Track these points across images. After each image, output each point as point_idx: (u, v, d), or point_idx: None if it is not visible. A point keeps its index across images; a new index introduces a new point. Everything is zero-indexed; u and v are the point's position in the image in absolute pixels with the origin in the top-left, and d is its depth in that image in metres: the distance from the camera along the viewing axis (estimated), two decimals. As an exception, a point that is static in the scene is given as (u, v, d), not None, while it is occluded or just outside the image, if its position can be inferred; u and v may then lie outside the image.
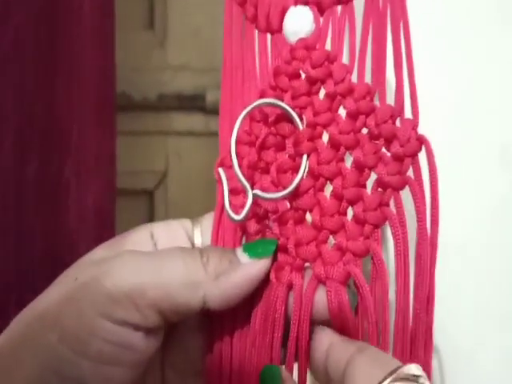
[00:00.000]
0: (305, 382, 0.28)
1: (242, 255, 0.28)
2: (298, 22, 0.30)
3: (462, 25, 0.39)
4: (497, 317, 0.37)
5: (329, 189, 0.29)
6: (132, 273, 0.27)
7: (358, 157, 0.29)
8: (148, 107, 0.70)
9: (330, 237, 0.29)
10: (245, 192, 0.29)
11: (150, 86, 0.69)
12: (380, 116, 0.28)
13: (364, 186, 0.29)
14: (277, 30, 0.31)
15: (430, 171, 0.27)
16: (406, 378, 0.23)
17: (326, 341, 0.28)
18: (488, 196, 0.37)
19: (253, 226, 0.30)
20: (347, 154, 0.29)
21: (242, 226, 0.30)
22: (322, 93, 0.30)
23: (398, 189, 0.28)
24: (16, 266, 0.50)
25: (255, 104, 0.30)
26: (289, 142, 0.30)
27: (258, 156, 0.31)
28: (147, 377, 0.29)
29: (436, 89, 0.38)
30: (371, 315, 0.27)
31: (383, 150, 0.29)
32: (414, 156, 0.28)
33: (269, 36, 0.32)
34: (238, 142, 0.30)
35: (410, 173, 0.28)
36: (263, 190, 0.30)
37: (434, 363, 0.37)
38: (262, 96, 0.31)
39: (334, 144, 0.29)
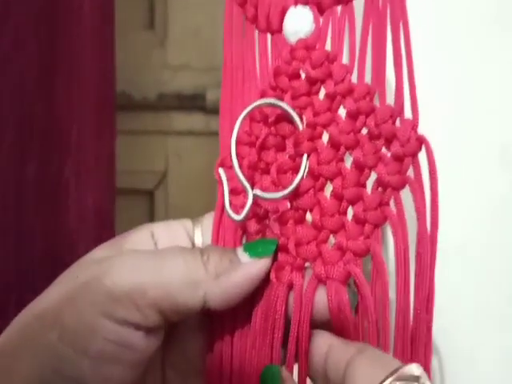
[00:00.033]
0: (305, 382, 0.28)
1: (242, 255, 0.28)
2: (298, 23, 0.30)
3: (462, 25, 0.39)
4: (497, 317, 0.37)
5: (329, 189, 0.30)
6: (132, 272, 0.27)
7: (358, 157, 0.29)
8: (148, 107, 0.70)
9: (331, 236, 0.29)
10: (245, 192, 0.29)
11: (150, 86, 0.69)
12: (380, 116, 0.28)
13: (364, 186, 0.29)
14: (277, 30, 0.31)
15: (429, 171, 0.27)
16: (407, 378, 0.23)
17: (324, 344, 0.28)
18: (488, 196, 0.37)
19: (253, 226, 0.30)
20: (347, 154, 0.29)
21: (243, 225, 0.30)
22: (322, 93, 0.30)
23: (398, 188, 0.28)
24: (16, 265, 0.50)
25: (255, 104, 0.30)
26: (289, 143, 0.30)
27: (259, 156, 0.31)
28: (147, 376, 0.29)
29: (435, 89, 0.38)
30: (371, 315, 0.28)
31: (383, 149, 0.29)
32: (413, 156, 0.28)
33: (269, 36, 0.32)
34: (238, 143, 0.30)
35: (410, 173, 0.28)
36: (263, 190, 0.30)
37: (434, 363, 0.37)
38: (262, 96, 0.31)
39: (334, 144, 0.29)
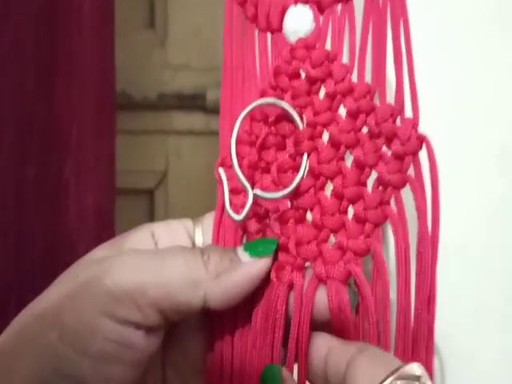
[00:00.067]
0: (304, 382, 0.28)
1: (242, 254, 0.28)
2: (298, 22, 0.30)
3: (463, 24, 0.39)
4: (497, 317, 0.37)
5: (329, 188, 0.29)
6: (133, 272, 0.27)
7: (359, 156, 0.29)
8: (148, 106, 0.69)
9: (331, 236, 0.29)
10: (245, 192, 0.29)
11: (150, 86, 0.69)
12: (380, 115, 0.28)
13: (364, 185, 0.29)
14: (277, 29, 0.31)
15: (430, 170, 0.27)
16: (408, 377, 0.23)
17: (324, 346, 0.27)
18: (488, 196, 0.37)
19: (253, 226, 0.30)
20: (347, 153, 0.29)
21: (243, 225, 0.30)
22: (323, 92, 0.30)
23: (398, 187, 0.28)
24: (16, 265, 0.50)
25: (255, 104, 0.30)
26: (289, 142, 0.30)
27: (259, 156, 0.31)
28: (148, 376, 0.29)
29: (435, 89, 0.37)
30: (372, 315, 0.27)
31: (384, 148, 0.29)
32: (414, 154, 0.28)
33: (269, 35, 0.32)
34: (238, 142, 0.30)
35: (411, 171, 0.28)
36: (264, 189, 0.30)
37: (434, 363, 0.37)
38: (262, 95, 0.31)
39: (335, 143, 0.29)
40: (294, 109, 0.30)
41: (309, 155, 0.30)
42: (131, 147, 0.68)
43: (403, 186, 0.28)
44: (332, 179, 0.29)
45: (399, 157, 0.28)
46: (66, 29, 0.52)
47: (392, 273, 0.28)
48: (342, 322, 0.28)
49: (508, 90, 0.38)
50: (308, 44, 0.30)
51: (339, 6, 0.30)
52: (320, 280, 0.28)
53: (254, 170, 0.31)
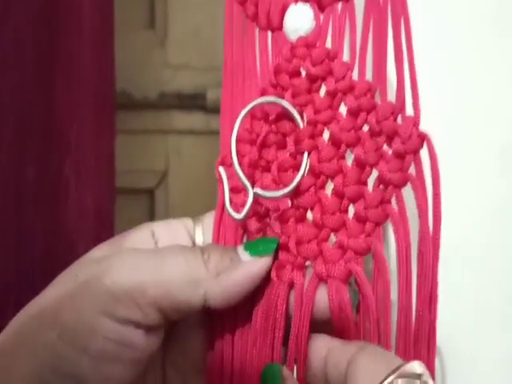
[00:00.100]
0: (304, 381, 0.28)
1: (243, 253, 0.28)
2: (299, 20, 0.30)
3: (463, 24, 0.38)
4: (497, 317, 0.37)
5: (330, 187, 0.29)
6: (132, 271, 0.27)
7: (359, 154, 0.28)
8: (148, 106, 0.69)
9: (332, 235, 0.29)
10: (245, 190, 0.29)
11: (150, 85, 0.69)
12: (381, 113, 0.28)
13: (365, 184, 0.29)
14: (277, 27, 0.31)
15: (431, 168, 0.27)
16: (409, 375, 0.23)
17: (323, 348, 0.27)
18: (488, 196, 0.37)
19: (254, 225, 0.30)
20: (348, 151, 0.29)
21: (243, 224, 0.30)
22: (323, 90, 0.30)
23: (399, 186, 0.28)
24: (15, 265, 0.50)
25: (256, 102, 0.30)
26: (289, 140, 0.30)
27: (259, 154, 0.31)
28: (148, 375, 0.29)
29: (434, 89, 0.37)
30: (373, 314, 0.27)
31: (384, 147, 0.28)
32: (415, 153, 0.28)
33: (269, 34, 0.32)
34: (238, 141, 0.30)
35: (412, 170, 0.28)
36: (264, 188, 0.29)
37: (435, 363, 0.37)
38: (262, 94, 0.31)
39: (335, 142, 0.29)
40: (295, 107, 0.30)
41: (309, 154, 0.29)
42: (131, 147, 0.68)
43: (404, 184, 0.28)
44: (332, 178, 0.29)
45: (400, 155, 0.28)
46: (66, 29, 0.52)
47: (393, 272, 0.28)
48: (343, 321, 0.27)
49: (508, 90, 0.38)
50: (308, 42, 0.30)
51: (340, 5, 0.30)
52: (320, 279, 0.28)
53: (254, 169, 0.30)
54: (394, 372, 0.23)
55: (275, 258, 0.29)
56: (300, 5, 0.30)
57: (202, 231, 0.31)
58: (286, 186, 0.29)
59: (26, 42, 0.50)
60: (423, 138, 0.28)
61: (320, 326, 0.28)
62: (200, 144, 0.71)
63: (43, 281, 0.28)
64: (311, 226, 0.29)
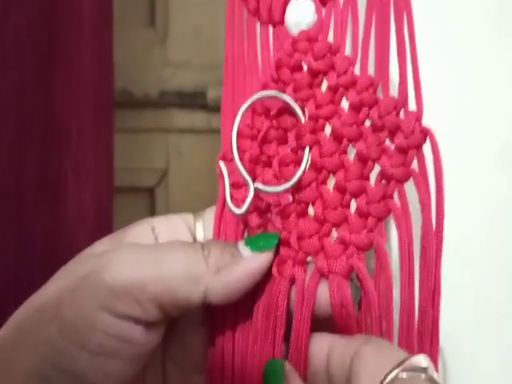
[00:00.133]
0: (305, 377, 0.28)
1: (243, 249, 0.28)
2: (300, 14, 0.30)
3: (463, 23, 0.38)
4: (497, 317, 0.36)
5: (331, 181, 0.29)
6: (132, 266, 0.26)
7: (361, 149, 0.28)
8: (149, 104, 0.69)
9: (333, 230, 0.29)
10: (247, 186, 0.29)
11: (151, 83, 0.69)
12: (383, 108, 0.28)
13: (367, 179, 0.28)
14: (279, 22, 0.31)
15: (434, 163, 0.27)
16: (414, 368, 0.23)
17: (325, 343, 0.27)
18: (488, 196, 0.37)
19: (255, 220, 0.30)
20: (350, 146, 0.29)
21: (244, 219, 0.30)
22: (325, 85, 0.30)
23: (401, 181, 0.28)
24: (15, 265, 0.50)
25: (257, 96, 0.30)
26: (291, 135, 0.30)
27: (260, 149, 0.30)
28: (148, 371, 0.29)
29: (434, 88, 0.37)
30: (375, 310, 0.27)
31: (387, 142, 0.28)
32: (418, 148, 0.27)
33: (271, 28, 0.32)
34: (239, 136, 0.30)
35: (415, 165, 0.28)
36: (265, 183, 0.29)
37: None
38: (263, 89, 0.30)
39: (337, 136, 0.29)
40: (296, 102, 0.29)
41: (311, 149, 0.29)
42: (132, 145, 0.68)
43: (406, 179, 0.28)
44: (334, 173, 0.29)
45: (402, 150, 0.28)
46: (66, 29, 0.52)
47: (395, 269, 0.27)
48: (344, 317, 0.27)
49: (508, 90, 0.38)
50: (310, 36, 0.30)
51: (342, -2, 0.30)
52: (322, 274, 0.28)
53: (255, 164, 0.30)
54: (399, 365, 0.23)
55: (276, 253, 0.29)
56: (302, -1, 0.30)
57: (203, 227, 0.31)
58: (287, 180, 0.29)
59: (25, 42, 0.50)
60: (426, 132, 0.27)
61: (321, 322, 0.28)
62: (200, 142, 0.71)
63: (43, 281, 0.28)
64: (313, 221, 0.29)
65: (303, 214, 0.29)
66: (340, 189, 0.29)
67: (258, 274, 0.28)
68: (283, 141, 0.30)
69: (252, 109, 0.30)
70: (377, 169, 0.28)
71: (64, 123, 0.53)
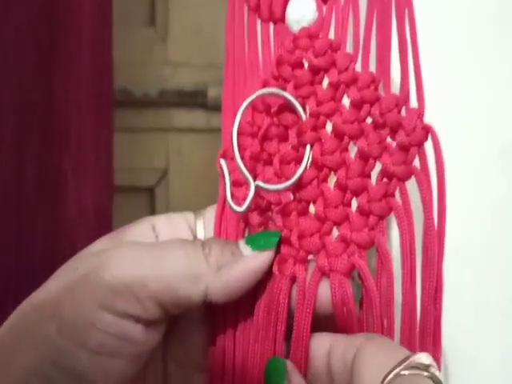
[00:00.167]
0: (306, 375, 0.28)
1: (244, 247, 0.28)
2: (301, 11, 0.30)
3: (463, 22, 0.38)
4: (497, 317, 0.36)
5: (333, 179, 0.29)
6: (132, 264, 0.26)
7: (363, 147, 0.28)
8: (149, 103, 0.69)
9: (334, 228, 0.29)
10: (247, 184, 0.29)
11: (151, 83, 0.69)
12: (385, 105, 0.28)
13: (369, 177, 0.28)
14: (279, 19, 0.31)
15: (436, 161, 0.27)
16: (417, 366, 0.23)
17: (326, 342, 0.27)
18: (488, 196, 0.36)
19: (255, 218, 0.30)
20: (351, 144, 0.29)
21: (245, 218, 0.30)
22: (326, 82, 0.30)
23: (403, 179, 0.27)
24: (16, 265, 0.50)
25: (257, 93, 0.29)
26: (292, 133, 0.30)
27: (261, 147, 0.30)
28: (148, 370, 0.29)
29: (434, 88, 0.37)
30: (376, 308, 0.27)
31: (388, 139, 0.28)
32: (419, 145, 0.27)
33: (272, 26, 0.31)
34: (240, 133, 0.30)
35: (416, 163, 0.27)
36: (266, 181, 0.29)
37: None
38: (264, 86, 0.30)
39: (338, 134, 0.29)
40: (297, 99, 0.29)
41: (312, 146, 0.29)
42: (131, 144, 0.68)
43: (408, 177, 0.28)
44: (335, 171, 0.29)
45: (404, 148, 0.27)
46: (66, 29, 0.52)
47: (396, 267, 0.27)
48: (346, 315, 0.27)
49: (508, 90, 0.38)
50: (311, 33, 0.29)
51: (343, -5, 0.30)
52: (323, 273, 0.28)
53: (256, 162, 0.30)
54: (401, 363, 0.23)
55: (277, 252, 0.28)
56: (302, -4, 0.30)
57: (204, 225, 0.31)
58: (288, 178, 0.29)
59: (25, 42, 0.50)
60: (428, 130, 0.27)
61: (322, 321, 0.28)
62: (200, 142, 0.71)
63: (43, 280, 0.28)
64: (314, 220, 0.29)
65: (304, 212, 0.29)
66: (341, 187, 0.28)
67: (259, 273, 0.27)
68: (284, 138, 0.30)
69: (253, 106, 0.30)
70: (378, 167, 0.28)
71: (64, 123, 0.53)
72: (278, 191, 0.29)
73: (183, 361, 0.30)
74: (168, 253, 0.27)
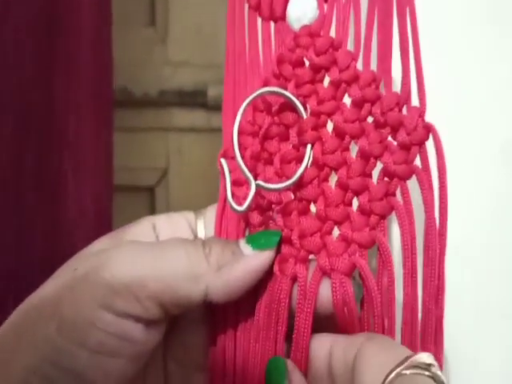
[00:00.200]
0: (307, 375, 0.27)
1: (245, 247, 0.27)
2: (302, 9, 0.30)
3: (464, 21, 0.38)
4: (497, 317, 0.36)
5: (333, 179, 0.29)
6: (132, 264, 0.26)
7: (364, 146, 0.28)
8: (149, 103, 0.69)
9: (335, 228, 0.28)
10: (248, 183, 0.29)
11: (151, 82, 0.69)
12: (386, 104, 0.28)
13: (370, 176, 0.28)
14: (280, 17, 0.31)
15: (437, 160, 0.27)
16: (418, 366, 0.23)
17: (327, 342, 0.27)
18: (488, 196, 0.36)
19: (256, 218, 0.29)
20: (352, 143, 0.29)
21: (246, 217, 0.30)
22: (327, 81, 0.29)
23: (404, 178, 0.27)
24: (15, 265, 0.49)
25: (258, 92, 0.29)
26: (292, 132, 0.30)
27: (262, 146, 0.30)
28: (149, 369, 0.29)
29: (434, 87, 0.37)
30: (377, 308, 0.27)
31: (389, 138, 0.28)
32: (421, 144, 0.27)
33: (272, 24, 0.31)
34: (240, 133, 0.29)
35: (418, 162, 0.27)
36: (266, 180, 0.29)
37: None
38: (265, 84, 0.30)
39: (339, 133, 0.29)
40: (298, 98, 0.29)
41: (312, 145, 0.29)
42: (132, 144, 0.68)
43: (409, 176, 0.27)
44: (336, 170, 0.29)
45: (405, 147, 0.27)
46: (66, 29, 0.52)
47: (397, 267, 0.27)
48: (347, 315, 0.27)
49: (508, 90, 0.37)
50: (312, 31, 0.29)
51: (344, -7, 0.30)
52: (324, 272, 0.28)
53: (256, 161, 0.30)
54: (402, 362, 0.22)
55: (278, 251, 0.28)
56: (303, -6, 0.30)
57: (204, 225, 0.31)
58: (288, 178, 0.29)
59: (25, 42, 0.50)
60: (429, 129, 0.27)
61: (323, 321, 0.28)
62: (201, 141, 0.71)
63: (43, 280, 0.28)
64: (314, 219, 0.29)
65: (305, 211, 0.29)
66: (342, 186, 0.28)
67: (260, 272, 0.27)
68: (285, 137, 0.30)
69: (253, 105, 0.30)
70: (379, 166, 0.28)
71: (64, 123, 0.53)
72: (278, 190, 0.29)
73: (183, 361, 0.30)
74: (168, 252, 0.27)
